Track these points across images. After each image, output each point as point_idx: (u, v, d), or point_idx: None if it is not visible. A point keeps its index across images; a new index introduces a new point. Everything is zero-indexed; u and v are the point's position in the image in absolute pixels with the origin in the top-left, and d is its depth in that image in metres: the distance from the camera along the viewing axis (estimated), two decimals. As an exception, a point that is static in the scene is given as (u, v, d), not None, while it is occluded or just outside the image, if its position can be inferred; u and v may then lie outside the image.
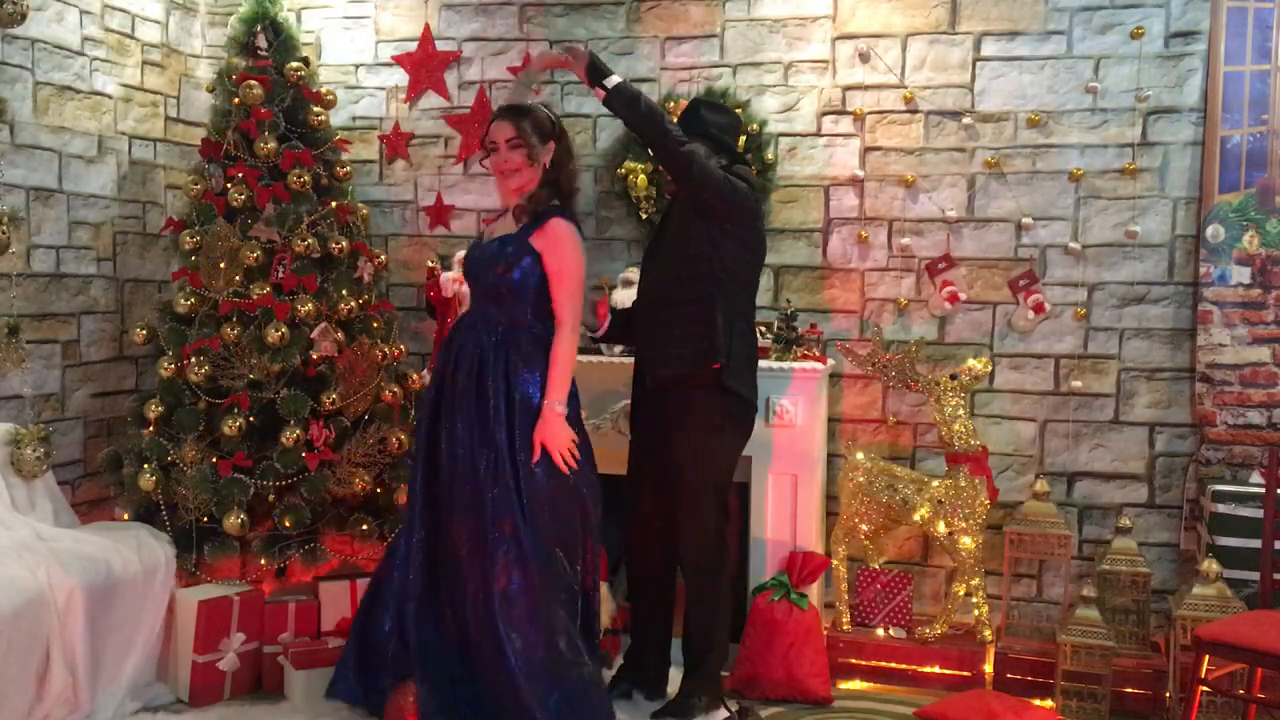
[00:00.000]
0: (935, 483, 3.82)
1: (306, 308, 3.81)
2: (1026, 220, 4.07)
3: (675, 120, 3.45)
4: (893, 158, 4.21)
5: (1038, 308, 4.06)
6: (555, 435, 3.06)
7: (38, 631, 3.14)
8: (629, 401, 3.66)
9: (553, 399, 3.07)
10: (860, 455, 3.94)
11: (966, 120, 4.11)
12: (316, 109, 4.09)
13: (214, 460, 3.72)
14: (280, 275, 3.86)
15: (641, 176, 4.25)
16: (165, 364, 3.82)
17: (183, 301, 3.87)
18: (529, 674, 2.97)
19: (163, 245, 4.47)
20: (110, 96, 4.26)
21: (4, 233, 3.55)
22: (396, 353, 4.13)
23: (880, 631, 3.94)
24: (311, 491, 3.74)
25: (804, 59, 4.26)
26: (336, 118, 4.35)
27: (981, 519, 3.78)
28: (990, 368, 3.92)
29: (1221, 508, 3.64)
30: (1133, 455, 4.04)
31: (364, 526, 3.87)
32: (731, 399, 3.36)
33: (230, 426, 3.69)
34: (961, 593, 3.83)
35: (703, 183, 3.26)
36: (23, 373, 3.81)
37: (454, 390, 3.15)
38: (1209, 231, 3.88)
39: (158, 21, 4.51)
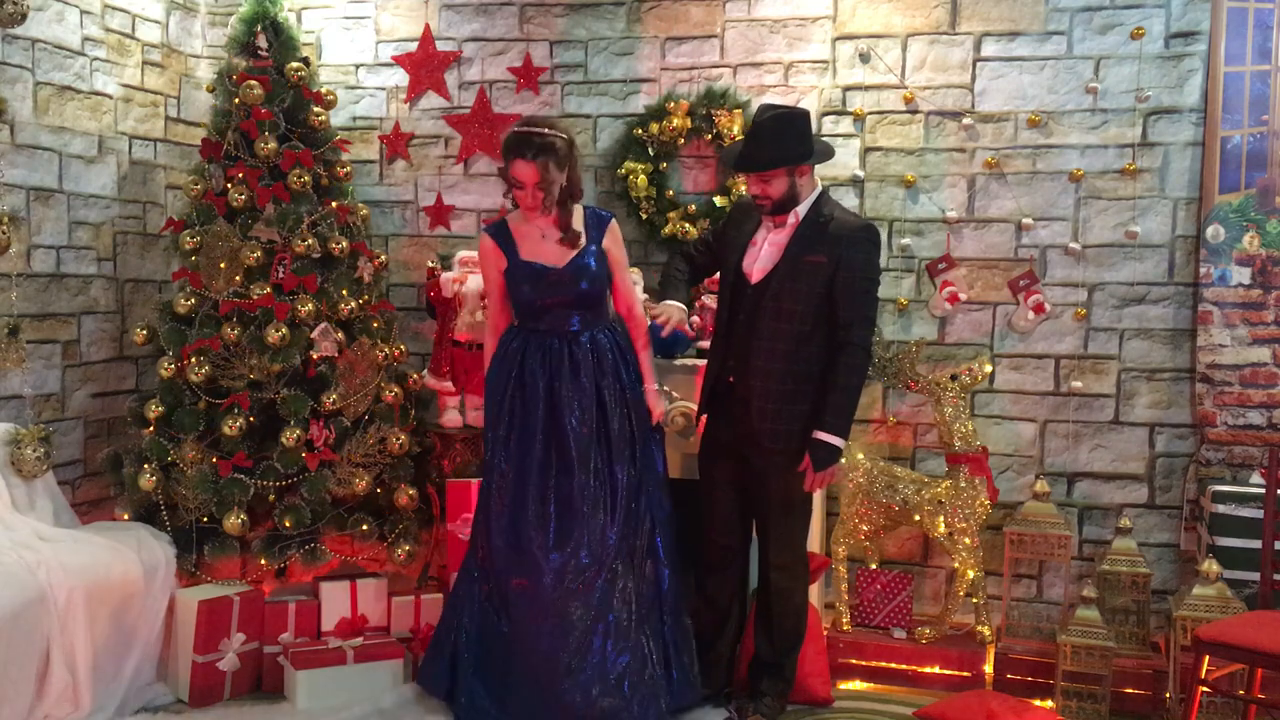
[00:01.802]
0: (935, 483, 3.82)
1: (306, 308, 3.81)
2: (1026, 220, 4.07)
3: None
4: (893, 158, 4.21)
5: (1038, 308, 4.06)
6: None
7: (38, 631, 3.14)
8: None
9: None
10: (860, 455, 3.95)
11: (967, 120, 4.11)
12: (317, 109, 4.09)
13: (214, 460, 3.73)
14: (280, 275, 3.86)
15: (641, 177, 4.25)
16: (165, 364, 3.82)
17: (183, 301, 3.87)
18: None
19: (163, 245, 4.46)
20: (110, 96, 4.25)
21: (4, 233, 3.55)
22: (396, 353, 4.13)
23: (880, 631, 3.94)
24: (312, 492, 3.74)
25: (804, 59, 4.26)
26: (337, 118, 4.35)
27: (981, 519, 3.78)
28: (991, 368, 3.92)
29: (1221, 508, 3.64)
30: (1133, 456, 4.04)
31: (364, 527, 3.86)
32: None
33: (230, 426, 3.70)
34: (961, 593, 3.83)
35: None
36: (23, 373, 3.81)
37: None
38: (1209, 232, 3.88)
39: (158, 21, 4.51)
